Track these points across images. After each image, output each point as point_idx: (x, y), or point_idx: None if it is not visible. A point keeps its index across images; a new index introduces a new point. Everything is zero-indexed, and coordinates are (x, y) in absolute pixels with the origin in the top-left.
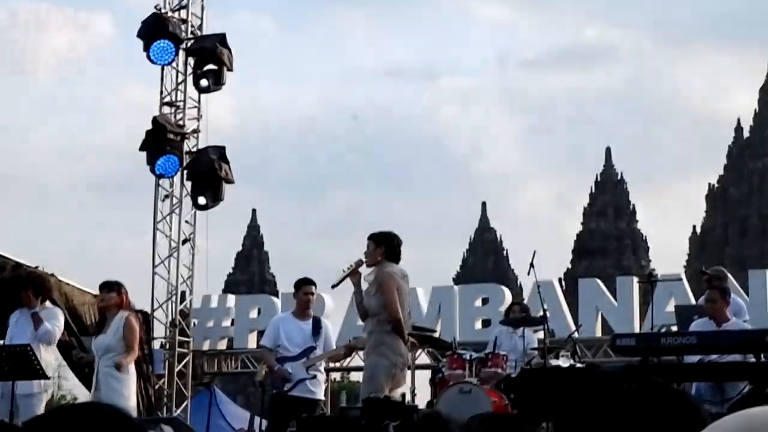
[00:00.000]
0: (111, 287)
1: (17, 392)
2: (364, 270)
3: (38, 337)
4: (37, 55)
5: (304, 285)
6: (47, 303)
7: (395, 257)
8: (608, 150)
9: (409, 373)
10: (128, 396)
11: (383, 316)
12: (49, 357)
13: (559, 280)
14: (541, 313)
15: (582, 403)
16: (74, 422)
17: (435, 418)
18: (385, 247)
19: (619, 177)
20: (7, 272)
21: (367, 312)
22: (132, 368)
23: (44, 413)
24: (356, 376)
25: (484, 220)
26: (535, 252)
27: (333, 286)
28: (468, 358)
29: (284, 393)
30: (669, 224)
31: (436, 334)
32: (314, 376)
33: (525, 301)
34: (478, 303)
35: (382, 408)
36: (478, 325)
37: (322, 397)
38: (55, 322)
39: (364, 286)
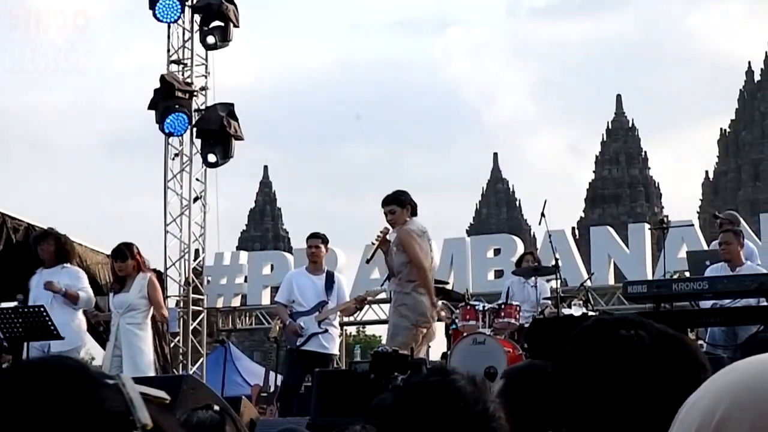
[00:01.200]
0: (123, 254)
1: (50, 352)
2: (391, 236)
3: (80, 305)
4: (44, 15)
5: (309, 239)
6: (66, 263)
7: (415, 212)
8: (619, 97)
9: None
10: (148, 351)
11: (404, 275)
12: (80, 316)
13: (572, 228)
14: (553, 263)
15: (579, 351)
16: (27, 379)
17: (441, 370)
18: (410, 206)
19: (630, 124)
20: (20, 234)
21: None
22: (149, 325)
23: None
24: (371, 330)
25: (496, 170)
26: (546, 201)
27: (367, 261)
28: (481, 308)
29: (297, 347)
30: (681, 170)
31: (449, 286)
32: (326, 330)
33: (537, 251)
34: (491, 254)
35: (389, 361)
36: (491, 275)
37: (336, 352)
38: (80, 284)
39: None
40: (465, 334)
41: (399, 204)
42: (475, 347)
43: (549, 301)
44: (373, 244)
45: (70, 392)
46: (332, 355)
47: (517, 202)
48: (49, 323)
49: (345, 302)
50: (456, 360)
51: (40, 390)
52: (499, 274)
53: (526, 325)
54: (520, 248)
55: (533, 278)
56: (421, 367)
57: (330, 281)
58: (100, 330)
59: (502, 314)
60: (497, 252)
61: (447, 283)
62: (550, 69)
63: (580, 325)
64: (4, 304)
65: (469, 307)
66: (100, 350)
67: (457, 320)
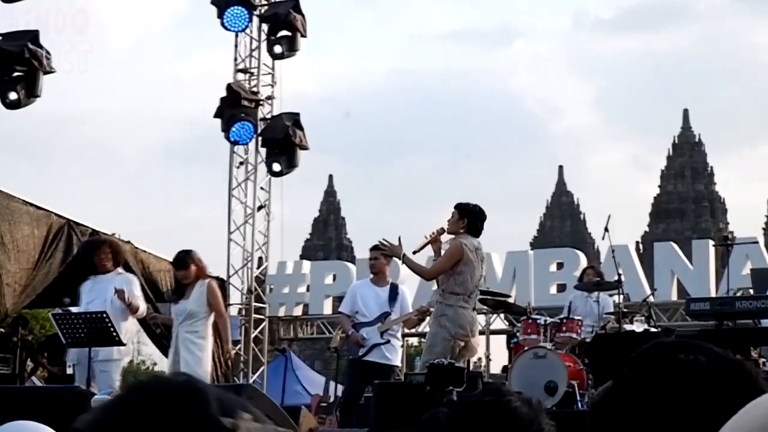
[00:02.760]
0: (184, 263)
1: (95, 358)
2: (444, 238)
3: (137, 316)
4: (112, 23)
5: (370, 250)
6: (120, 269)
7: (476, 231)
8: (686, 111)
9: (483, 338)
10: (206, 361)
11: (447, 286)
12: (129, 324)
13: (636, 243)
14: (616, 277)
15: (637, 374)
16: (142, 409)
17: (497, 390)
18: (467, 219)
19: (696, 139)
20: (84, 240)
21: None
22: (210, 334)
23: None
24: None
25: (561, 183)
26: (609, 216)
27: (414, 252)
28: (543, 322)
29: (359, 358)
30: (747, 186)
31: (511, 299)
32: (388, 341)
33: (601, 265)
34: (553, 268)
35: (445, 374)
36: (553, 289)
37: (398, 363)
38: (134, 290)
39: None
40: (526, 347)
41: (459, 211)
42: (535, 361)
43: (611, 317)
44: (426, 238)
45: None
46: (394, 366)
47: (582, 216)
48: (112, 329)
49: (407, 314)
50: (516, 374)
51: (153, 421)
52: (561, 288)
53: (588, 340)
54: (583, 262)
55: (595, 293)
56: (477, 381)
57: (394, 293)
58: (157, 332)
59: (564, 328)
60: (560, 266)
61: (509, 296)
62: (616, 82)
63: (639, 346)
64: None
65: (530, 320)
66: (159, 355)
67: (518, 333)
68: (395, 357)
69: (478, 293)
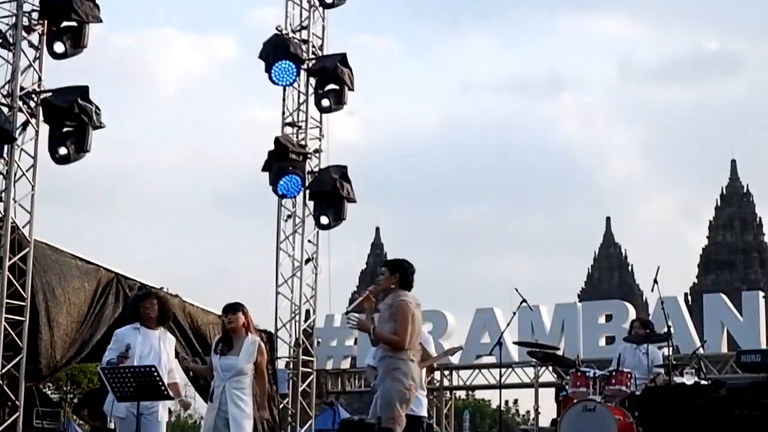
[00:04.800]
0: (236, 309)
1: (144, 413)
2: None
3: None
4: (162, 77)
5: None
6: (165, 327)
7: (408, 285)
8: (733, 162)
9: (532, 390)
10: (251, 415)
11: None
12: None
13: (685, 294)
14: (666, 330)
15: (692, 430)
16: None
17: None
18: (399, 274)
19: (744, 189)
20: (134, 294)
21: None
22: (251, 389)
23: None
24: (480, 395)
25: (608, 234)
26: (658, 268)
27: (346, 313)
28: (592, 375)
29: None
30: None
31: (560, 352)
32: None
33: (650, 317)
34: (602, 320)
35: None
36: (602, 342)
37: (423, 414)
38: (173, 354)
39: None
40: (575, 400)
41: (389, 268)
42: (585, 414)
43: (661, 369)
44: (358, 297)
45: None
46: (419, 416)
47: (629, 267)
48: (160, 384)
49: (426, 361)
50: (566, 427)
51: None
52: (610, 340)
53: (638, 393)
54: (632, 314)
55: (645, 345)
56: None
57: None
58: (201, 383)
59: (613, 381)
60: (609, 318)
61: (557, 348)
62: (663, 131)
63: (690, 399)
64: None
65: (579, 373)
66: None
67: (567, 386)
68: (420, 408)
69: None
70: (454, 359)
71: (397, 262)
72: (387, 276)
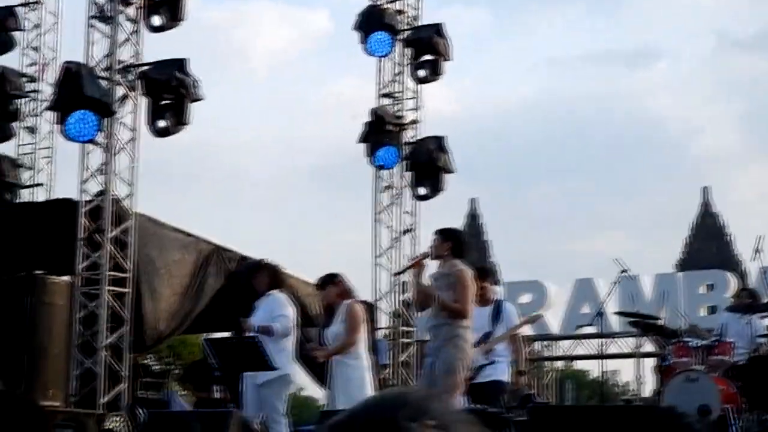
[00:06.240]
0: (324, 284)
1: (256, 382)
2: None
3: (275, 336)
4: (257, 52)
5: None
6: (275, 290)
7: (461, 253)
8: None
9: (633, 360)
10: (361, 380)
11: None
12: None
13: None
14: (767, 300)
15: None
16: None
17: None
18: (452, 242)
19: None
20: (235, 265)
21: (427, 302)
22: (364, 354)
23: None
24: (580, 365)
25: (706, 204)
26: (760, 237)
27: (396, 274)
28: (694, 345)
29: (469, 381)
30: None
31: (661, 322)
32: (493, 362)
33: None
34: (703, 290)
35: None
36: (703, 311)
37: (504, 379)
38: (278, 311)
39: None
40: (678, 371)
41: (442, 235)
42: (688, 384)
43: (764, 339)
44: (410, 261)
45: None
46: (497, 381)
47: (728, 237)
48: (264, 354)
49: (507, 332)
50: (669, 397)
51: None
52: (712, 309)
53: (740, 363)
54: (733, 284)
55: (748, 315)
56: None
57: (497, 311)
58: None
59: (716, 351)
60: (710, 288)
61: (659, 318)
62: (761, 101)
63: None
64: (216, 335)
65: (681, 343)
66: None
67: (669, 356)
68: (498, 373)
69: None
70: (554, 330)
71: (450, 229)
72: (439, 243)
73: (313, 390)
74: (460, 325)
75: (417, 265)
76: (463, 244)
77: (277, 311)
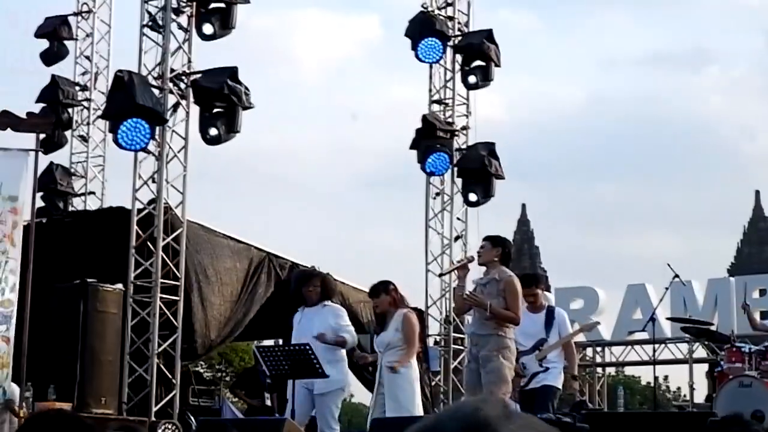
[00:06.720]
0: (377, 291)
1: (310, 388)
2: (474, 266)
3: (346, 347)
4: (307, 59)
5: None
6: (327, 301)
7: (508, 260)
8: None
9: (686, 366)
10: (410, 389)
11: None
12: (344, 354)
13: None
14: None
15: None
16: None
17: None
18: (501, 249)
19: None
20: (286, 273)
21: (466, 307)
22: (414, 362)
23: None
24: (630, 371)
25: (758, 208)
26: None
27: (440, 275)
28: (747, 351)
29: (522, 389)
30: None
31: (713, 327)
32: (546, 369)
33: None
34: (756, 294)
35: None
36: (757, 317)
37: (557, 385)
38: (342, 322)
39: (468, 282)
40: (731, 376)
41: (492, 242)
42: (741, 390)
43: None
44: (454, 263)
45: None
46: (549, 386)
47: None
48: (315, 362)
49: (563, 338)
50: (722, 403)
51: None
52: (764, 315)
53: None
54: None
55: None
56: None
57: (550, 317)
58: (364, 372)
59: None
60: (762, 292)
61: (711, 324)
62: None
63: None
64: (267, 342)
65: (734, 349)
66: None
67: (722, 362)
68: (551, 378)
69: None
70: (606, 335)
71: (500, 237)
72: (488, 249)
73: (362, 397)
74: (508, 336)
75: (463, 267)
76: (511, 252)
77: (342, 322)
